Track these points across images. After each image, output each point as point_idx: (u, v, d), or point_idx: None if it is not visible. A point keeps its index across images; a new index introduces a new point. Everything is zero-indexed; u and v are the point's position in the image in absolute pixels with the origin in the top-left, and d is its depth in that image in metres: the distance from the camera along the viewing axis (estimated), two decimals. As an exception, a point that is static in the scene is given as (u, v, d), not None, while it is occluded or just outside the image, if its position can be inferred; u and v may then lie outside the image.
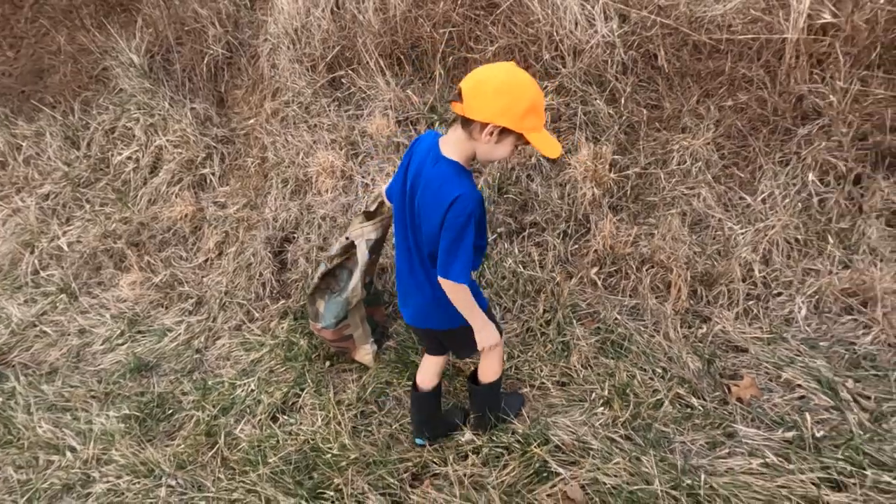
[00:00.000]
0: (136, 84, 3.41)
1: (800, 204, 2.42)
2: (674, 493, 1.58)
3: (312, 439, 1.88)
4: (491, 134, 1.28)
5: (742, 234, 2.37)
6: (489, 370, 1.70)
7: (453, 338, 1.62)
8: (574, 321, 2.23)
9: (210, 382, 2.23)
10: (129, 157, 3.32)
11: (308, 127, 3.04)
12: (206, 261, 2.90)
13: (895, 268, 2.23)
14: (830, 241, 2.33)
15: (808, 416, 1.79)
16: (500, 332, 1.65)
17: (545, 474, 1.68)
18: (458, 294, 1.41)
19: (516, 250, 2.51)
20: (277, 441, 1.90)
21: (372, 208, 1.90)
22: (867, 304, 2.17)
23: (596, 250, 2.41)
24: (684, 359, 2.04)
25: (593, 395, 1.96)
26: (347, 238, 1.89)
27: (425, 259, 1.47)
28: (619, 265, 2.38)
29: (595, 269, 2.39)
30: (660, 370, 2.02)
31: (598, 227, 2.45)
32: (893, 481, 1.56)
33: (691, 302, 2.26)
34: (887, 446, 1.69)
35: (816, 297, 2.22)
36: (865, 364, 2.01)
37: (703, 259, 2.33)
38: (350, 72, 3.09)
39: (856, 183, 2.42)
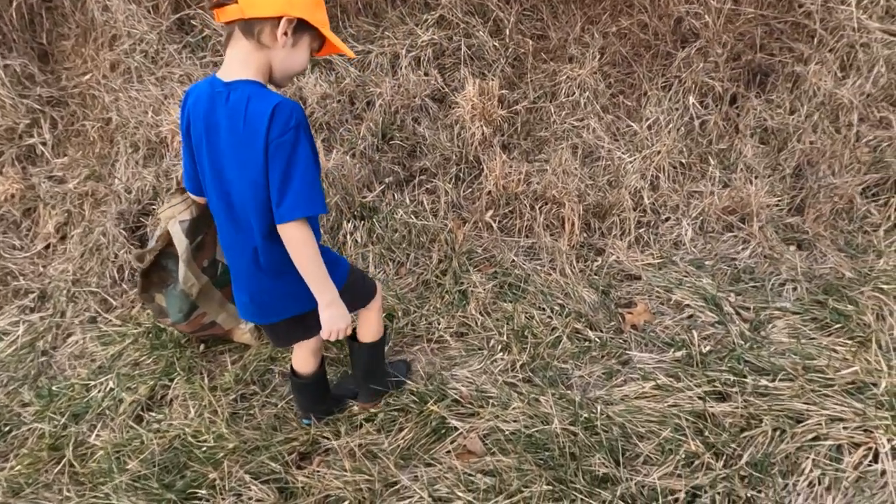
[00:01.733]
0: (-76, 38, 2.74)
1: (682, 128, 2.45)
2: (572, 428, 1.56)
3: (183, 434, 1.65)
4: (286, 34, 1.08)
5: (631, 162, 2.36)
6: (368, 329, 1.55)
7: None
8: (470, 268, 2.13)
9: (56, 387, 1.90)
10: (-72, 131, 2.70)
11: (156, 79, 2.61)
12: (47, 247, 2.46)
13: (768, 183, 2.33)
14: (711, 162, 2.39)
15: (695, 333, 1.84)
16: (375, 289, 1.50)
17: (443, 431, 1.59)
18: (301, 243, 1.11)
19: (407, 200, 2.35)
20: (141, 442, 1.65)
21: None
22: (745, 219, 2.26)
23: (489, 192, 2.31)
24: (580, 293, 2.02)
25: (492, 341, 1.89)
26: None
27: (265, 236, 1.16)
28: (512, 205, 2.30)
29: (489, 213, 2.29)
30: (557, 307, 1.98)
31: (489, 167, 2.34)
32: (770, 384, 1.64)
33: (585, 235, 2.24)
34: (764, 352, 1.78)
35: (701, 218, 2.28)
36: (745, 277, 2.10)
37: (595, 191, 2.30)
38: (200, 10, 2.67)
39: (731, 103, 2.48)
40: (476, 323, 1.95)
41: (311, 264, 1.14)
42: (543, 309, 1.99)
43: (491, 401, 1.66)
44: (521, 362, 1.79)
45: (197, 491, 1.48)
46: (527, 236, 2.26)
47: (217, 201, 1.18)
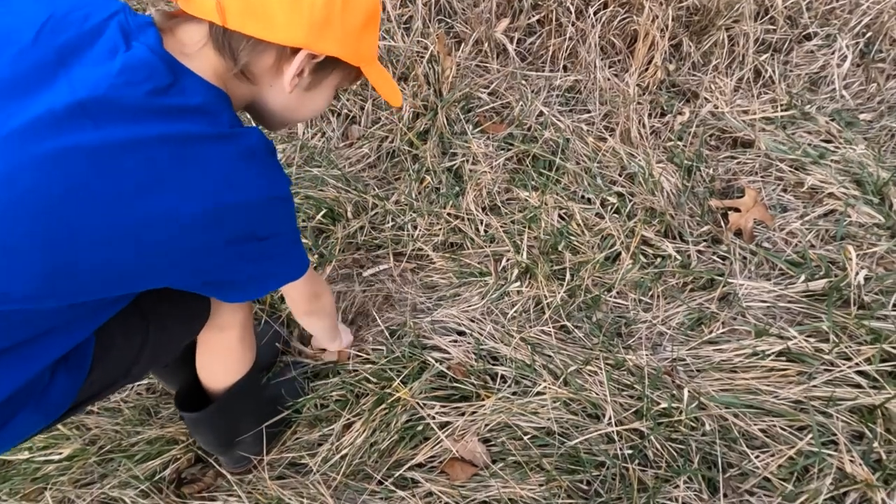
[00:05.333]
0: None
1: None
2: (638, 425, 0.94)
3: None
4: (302, 73, 0.58)
5: (764, -78, 1.35)
6: (234, 360, 0.80)
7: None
8: (468, 128, 1.30)
9: None
10: None
11: None
12: None
13: None
14: (905, -76, 1.38)
15: (850, 250, 1.12)
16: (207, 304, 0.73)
17: (419, 428, 0.98)
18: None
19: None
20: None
21: None
22: (947, 37, 1.36)
23: (504, -16, 1.34)
24: (654, 175, 1.24)
25: (504, 260, 1.17)
26: None
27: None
28: (544, 9, 1.35)
29: (503, 24, 1.35)
30: (613, 199, 1.22)
31: (505, -67, 1.32)
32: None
33: (668, 68, 1.35)
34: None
35: (868, 33, 1.37)
36: (929, 144, 1.31)
37: (693, -19, 1.34)
38: None
39: None
40: (477, 226, 1.21)
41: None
42: (590, 201, 1.23)
43: (500, 374, 1.02)
44: (552, 300, 1.10)
45: (7, 534, 0.92)
46: (566, 68, 1.36)
47: None
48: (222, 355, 0.79)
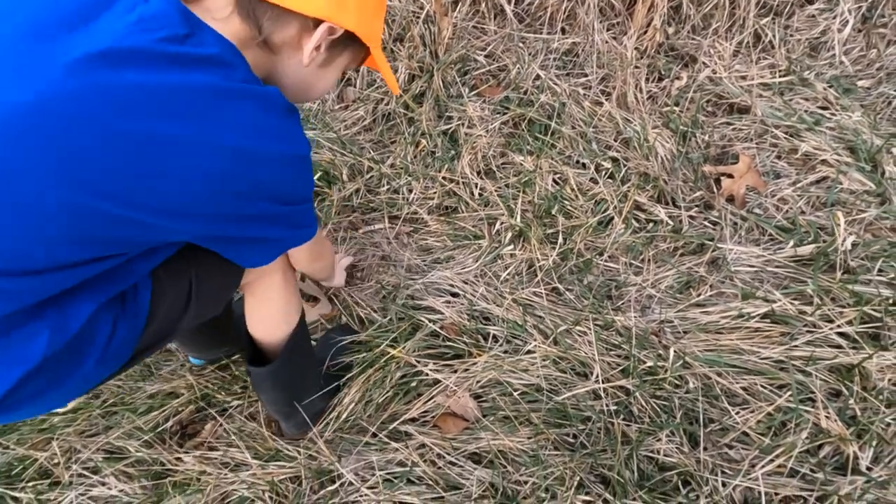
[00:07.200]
0: None
1: None
2: (624, 383, 0.98)
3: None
4: (319, 48, 0.60)
5: None
6: (283, 304, 0.82)
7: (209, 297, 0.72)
8: (464, 91, 1.30)
9: None
10: None
11: None
12: None
13: None
14: None
15: (840, 216, 1.14)
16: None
17: (413, 385, 1.02)
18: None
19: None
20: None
21: None
22: (951, 2, 1.35)
23: (502, -59, 1.32)
24: (650, 140, 1.25)
25: (498, 224, 1.19)
26: None
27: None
28: (544, -31, 1.34)
29: (501, -17, 1.34)
30: (607, 164, 1.23)
31: None
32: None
33: (667, 31, 1.34)
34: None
35: (871, -2, 1.36)
36: (926, 111, 1.31)
37: (696, -60, 1.32)
38: None
39: None
40: (472, 189, 1.22)
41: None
42: (584, 166, 1.24)
43: (492, 334, 1.05)
44: (544, 263, 1.13)
45: (13, 484, 0.96)
46: (564, 31, 1.35)
47: None
48: (273, 301, 0.80)
